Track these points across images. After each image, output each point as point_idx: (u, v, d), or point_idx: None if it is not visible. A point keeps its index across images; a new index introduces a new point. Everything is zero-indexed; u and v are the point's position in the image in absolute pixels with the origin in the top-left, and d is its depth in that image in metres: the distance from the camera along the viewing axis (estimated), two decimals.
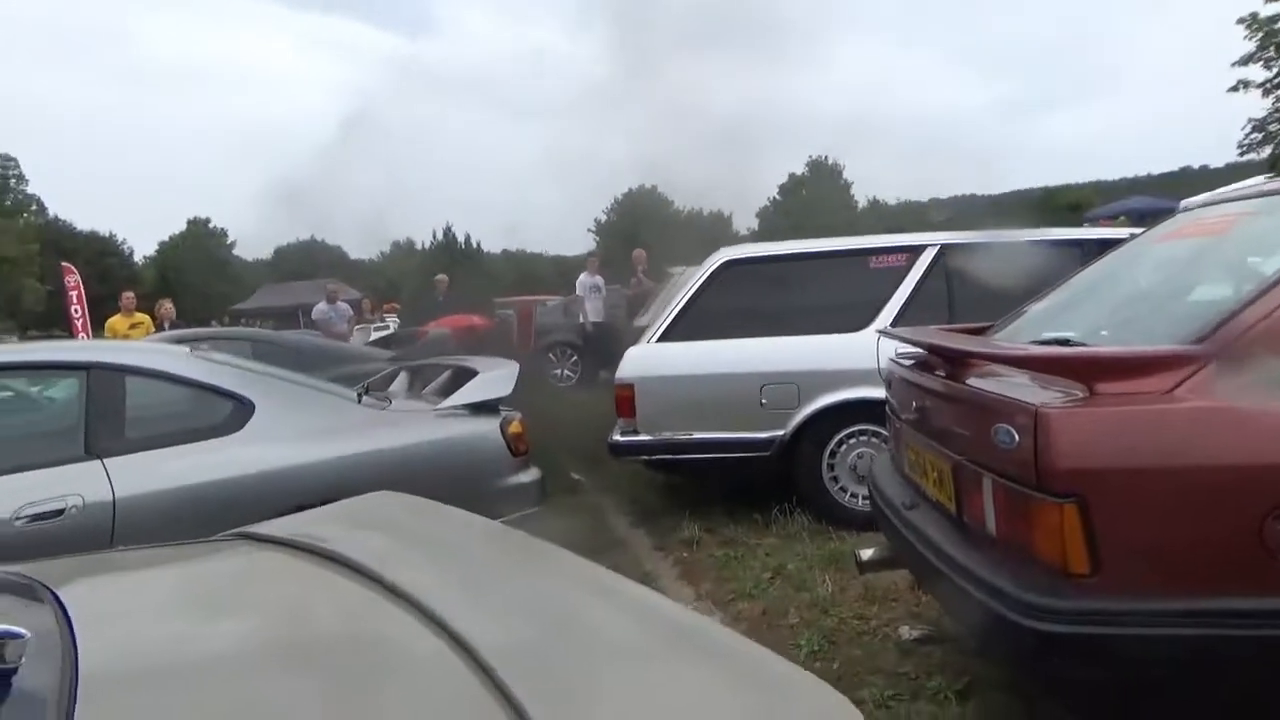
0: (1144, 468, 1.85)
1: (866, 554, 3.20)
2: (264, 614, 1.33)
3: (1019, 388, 2.13)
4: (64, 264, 18.63)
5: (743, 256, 5.12)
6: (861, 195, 52.42)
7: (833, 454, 4.63)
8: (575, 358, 12.75)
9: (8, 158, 48.15)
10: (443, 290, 12.13)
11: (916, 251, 4.87)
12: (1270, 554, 1.78)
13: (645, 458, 4.92)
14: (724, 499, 5.00)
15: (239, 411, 3.52)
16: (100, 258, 42.14)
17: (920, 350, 2.76)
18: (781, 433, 4.62)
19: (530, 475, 4.05)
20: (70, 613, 1.24)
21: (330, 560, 1.55)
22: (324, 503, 2.15)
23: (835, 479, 4.63)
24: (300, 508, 2.09)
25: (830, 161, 56.19)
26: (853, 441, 4.61)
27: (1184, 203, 3.18)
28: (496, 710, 0.98)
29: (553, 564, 1.60)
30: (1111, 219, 19.25)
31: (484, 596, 1.38)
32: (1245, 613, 1.79)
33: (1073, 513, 1.85)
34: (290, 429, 3.54)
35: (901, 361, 3.01)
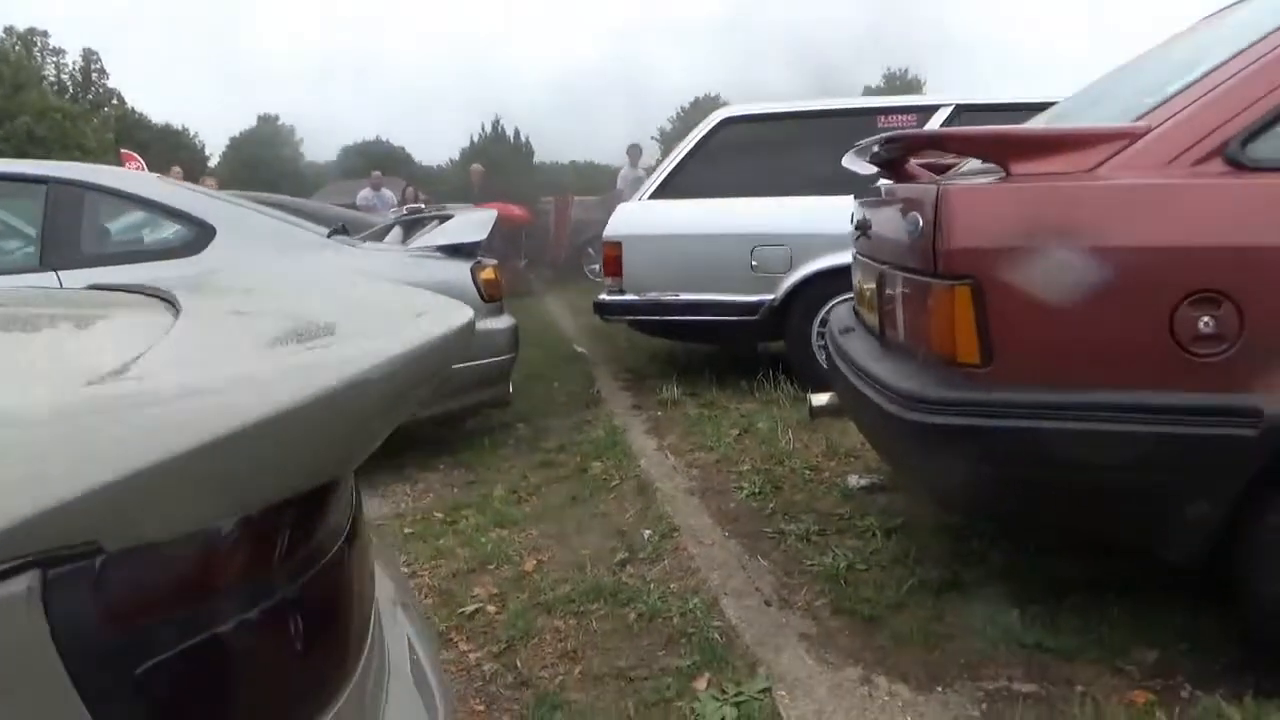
0: (1047, 249, 1.67)
1: (820, 400, 3.07)
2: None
3: (939, 179, 1.95)
4: (123, 150, 18.92)
5: (743, 114, 4.87)
6: None
7: (823, 322, 4.45)
8: None
9: (91, 51, 48.90)
10: (477, 180, 12.01)
11: (929, 112, 4.58)
12: (1180, 344, 1.60)
13: (630, 318, 4.80)
14: (711, 368, 4.88)
15: (201, 236, 3.50)
16: (174, 150, 42.80)
17: (871, 174, 2.57)
18: (771, 297, 4.45)
19: (502, 322, 3.99)
20: None
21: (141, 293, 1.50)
22: None
23: (825, 348, 4.45)
24: None
25: (910, 75, 53.91)
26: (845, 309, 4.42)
27: None
28: None
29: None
30: None
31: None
32: (1148, 407, 1.63)
33: (965, 295, 1.69)
34: (250, 256, 3.50)
35: (862, 197, 2.82)
